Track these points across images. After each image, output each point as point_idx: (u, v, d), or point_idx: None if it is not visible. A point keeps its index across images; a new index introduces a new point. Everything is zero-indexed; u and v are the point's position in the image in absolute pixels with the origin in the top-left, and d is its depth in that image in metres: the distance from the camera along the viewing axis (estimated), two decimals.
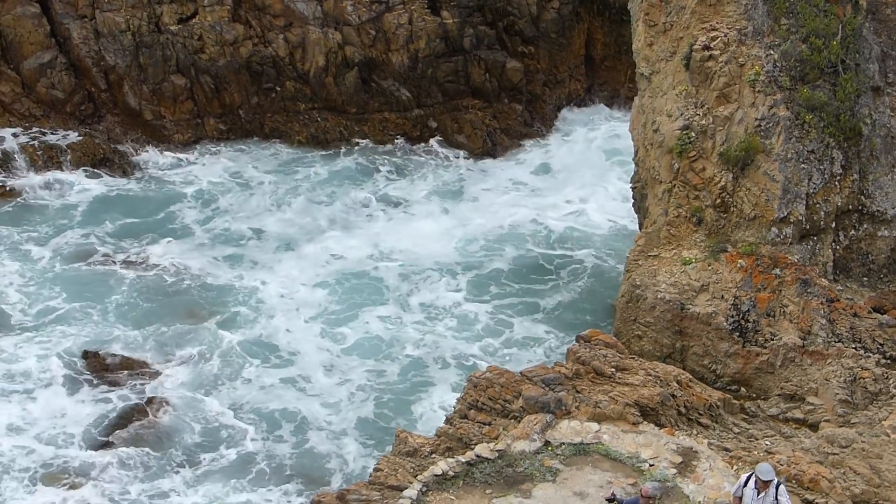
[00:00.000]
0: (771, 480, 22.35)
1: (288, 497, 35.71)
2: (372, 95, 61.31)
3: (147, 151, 58.29)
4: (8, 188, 54.04)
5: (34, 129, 57.67)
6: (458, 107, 61.83)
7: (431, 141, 60.48)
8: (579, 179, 56.92)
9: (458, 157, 59.28)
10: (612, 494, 24.38)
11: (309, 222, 52.90)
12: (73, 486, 35.87)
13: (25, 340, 42.83)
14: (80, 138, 57.59)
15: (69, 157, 56.47)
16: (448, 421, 31.15)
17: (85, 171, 55.90)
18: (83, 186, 55.13)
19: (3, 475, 36.19)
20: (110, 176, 56.05)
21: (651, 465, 27.55)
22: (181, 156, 58.22)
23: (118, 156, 57.39)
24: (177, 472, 36.80)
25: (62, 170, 55.81)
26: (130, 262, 48.87)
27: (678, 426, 30.20)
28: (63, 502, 35.14)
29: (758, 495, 22.63)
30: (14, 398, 39.69)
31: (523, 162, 59.01)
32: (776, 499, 22.13)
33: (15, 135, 56.60)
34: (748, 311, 35.49)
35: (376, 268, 48.76)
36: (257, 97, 60.78)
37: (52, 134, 57.54)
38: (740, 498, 23.43)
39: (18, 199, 53.51)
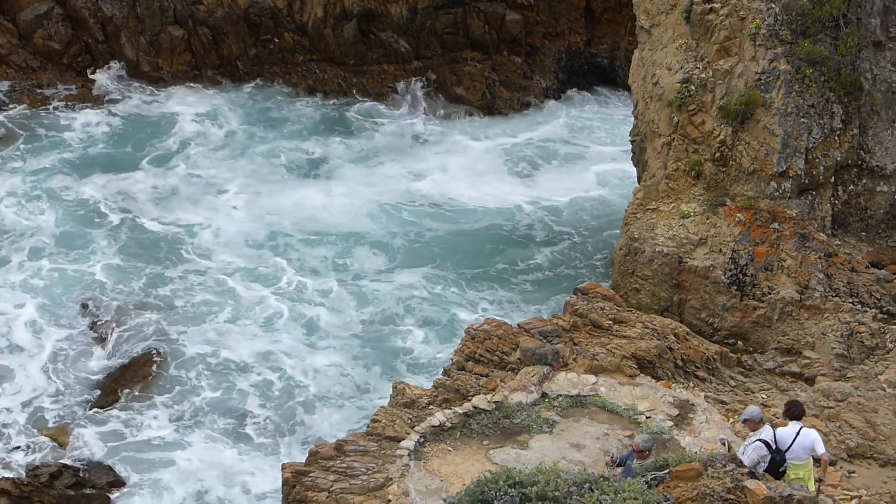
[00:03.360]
0: (748, 420, 22.20)
1: (286, 448, 35.77)
2: (370, 47, 60.99)
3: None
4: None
5: (31, 81, 57.52)
6: (457, 59, 61.56)
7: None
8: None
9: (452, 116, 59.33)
10: (612, 458, 24.38)
11: (272, 171, 53.05)
12: (69, 438, 35.93)
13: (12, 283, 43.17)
14: (77, 90, 57.48)
15: (69, 107, 56.42)
16: (445, 372, 31.17)
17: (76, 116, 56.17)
18: (65, 118, 55.53)
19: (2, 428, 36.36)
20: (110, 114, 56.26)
21: (648, 418, 27.60)
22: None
23: (115, 103, 57.33)
24: (173, 423, 36.83)
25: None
26: (107, 205, 48.96)
27: (675, 379, 30.26)
28: (60, 454, 35.19)
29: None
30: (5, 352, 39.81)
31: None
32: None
33: (11, 87, 56.44)
34: (746, 264, 35.51)
35: (351, 228, 48.49)
36: (255, 49, 60.46)
37: (48, 87, 57.45)
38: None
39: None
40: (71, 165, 51.94)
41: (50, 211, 47.97)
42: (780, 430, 22.04)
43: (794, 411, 22.56)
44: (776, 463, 21.04)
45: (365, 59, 60.94)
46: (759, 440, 21.26)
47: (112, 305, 41.95)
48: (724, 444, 22.20)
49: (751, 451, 20.99)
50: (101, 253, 45.45)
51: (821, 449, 22.11)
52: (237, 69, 60.23)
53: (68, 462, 34.61)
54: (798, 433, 21.97)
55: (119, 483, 34.25)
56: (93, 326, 41.03)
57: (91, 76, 58.33)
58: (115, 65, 59.02)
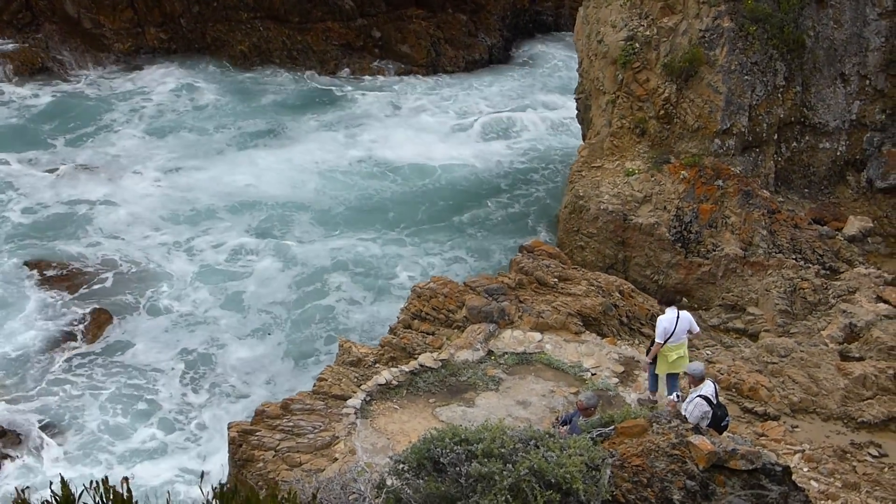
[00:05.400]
0: (689, 375, 22.48)
1: (232, 408, 35.65)
2: (315, 4, 60.60)
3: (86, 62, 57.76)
4: None
5: None
6: (401, 17, 61.40)
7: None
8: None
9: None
10: (557, 417, 24.48)
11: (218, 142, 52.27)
12: (19, 395, 35.73)
13: None
14: (18, 47, 56.77)
15: (9, 66, 55.68)
16: (392, 331, 31.19)
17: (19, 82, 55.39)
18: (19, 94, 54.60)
19: None
20: (43, 87, 55.43)
21: (593, 375, 27.75)
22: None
23: (56, 65, 56.61)
24: (105, 379, 36.55)
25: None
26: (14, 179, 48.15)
27: (620, 336, 30.44)
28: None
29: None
30: None
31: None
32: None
33: None
34: (690, 222, 35.69)
35: (307, 200, 47.65)
36: (198, 6, 59.92)
37: None
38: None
39: None
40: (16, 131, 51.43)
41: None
42: (661, 317, 25.20)
43: (668, 297, 26.07)
44: (718, 418, 21.25)
45: (309, 16, 60.59)
46: (700, 396, 21.45)
47: (31, 274, 41.58)
48: (678, 397, 22.41)
49: (692, 408, 21.18)
50: (6, 225, 44.72)
51: (696, 328, 25.79)
52: (180, 27, 59.71)
53: (5, 425, 34.36)
54: (678, 317, 25.15)
55: (57, 443, 34.01)
56: (36, 287, 40.62)
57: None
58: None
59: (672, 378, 25.80)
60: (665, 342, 25.05)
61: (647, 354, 26.09)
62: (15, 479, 32.05)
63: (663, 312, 25.45)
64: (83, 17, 58.34)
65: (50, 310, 39.44)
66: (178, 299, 40.81)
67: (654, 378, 26.20)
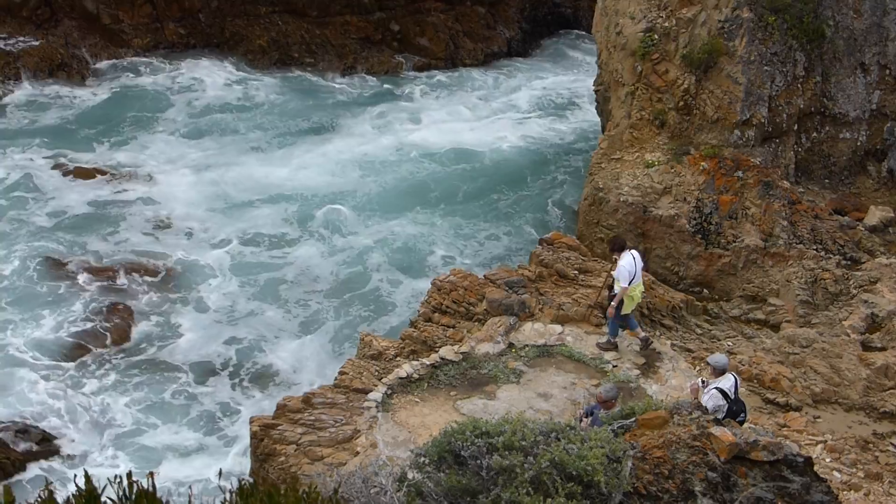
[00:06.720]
0: (710, 366, 22.45)
1: (254, 402, 35.70)
2: None
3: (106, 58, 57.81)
4: None
5: None
6: (420, 9, 61.27)
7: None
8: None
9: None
10: (581, 412, 24.43)
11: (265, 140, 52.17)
12: (36, 395, 35.74)
13: None
14: (37, 43, 56.80)
15: (28, 63, 55.72)
16: (412, 324, 31.22)
17: (40, 79, 55.39)
18: (39, 95, 54.57)
19: None
20: (66, 85, 55.42)
21: (614, 367, 27.76)
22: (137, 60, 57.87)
23: (76, 61, 56.69)
24: (139, 376, 36.58)
25: (20, 78, 55.13)
26: (80, 172, 47.99)
27: (641, 327, 30.39)
28: (26, 411, 34.99)
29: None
30: None
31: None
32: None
33: None
34: (711, 213, 35.63)
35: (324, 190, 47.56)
36: (217, 1, 59.96)
37: (6, 40, 56.72)
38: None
39: None
40: (43, 133, 51.27)
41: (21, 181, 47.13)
42: (622, 263, 27.15)
43: (619, 243, 27.87)
44: (733, 413, 21.21)
45: (328, 10, 60.54)
46: (717, 388, 21.42)
47: (80, 263, 41.57)
48: (703, 383, 22.36)
49: (707, 399, 21.15)
50: (42, 223, 44.56)
51: (642, 263, 28.03)
52: (199, 22, 59.74)
53: (33, 420, 34.37)
54: (635, 259, 27.37)
55: (81, 440, 34.04)
56: (63, 282, 40.60)
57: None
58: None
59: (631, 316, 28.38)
60: (629, 284, 27.19)
61: (610, 304, 27.98)
62: (42, 475, 32.14)
63: (618, 258, 27.43)
64: (102, 12, 58.39)
65: (85, 306, 39.43)
66: (217, 294, 40.80)
67: (614, 325, 28.36)
